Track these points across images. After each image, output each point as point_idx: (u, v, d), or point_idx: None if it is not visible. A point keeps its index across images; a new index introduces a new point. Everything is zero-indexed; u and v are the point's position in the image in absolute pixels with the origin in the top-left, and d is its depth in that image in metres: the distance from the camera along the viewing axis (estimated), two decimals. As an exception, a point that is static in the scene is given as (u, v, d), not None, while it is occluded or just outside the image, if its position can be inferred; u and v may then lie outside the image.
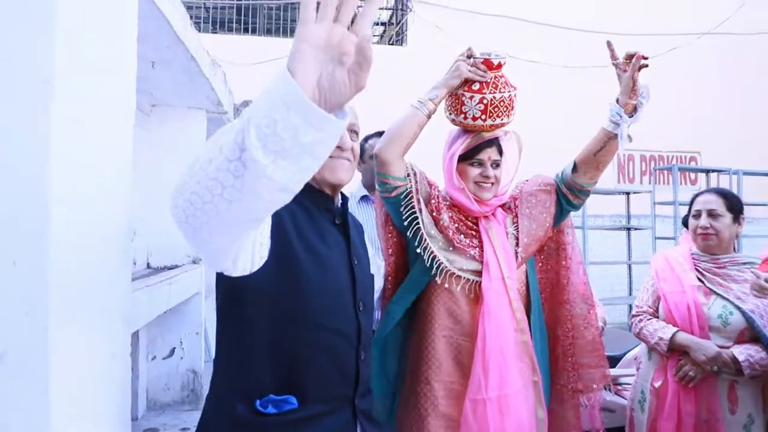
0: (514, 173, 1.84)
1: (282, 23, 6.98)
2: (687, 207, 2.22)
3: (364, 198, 2.60)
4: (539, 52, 6.44)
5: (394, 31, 6.80)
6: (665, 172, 7.19)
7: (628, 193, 6.51)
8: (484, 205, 1.77)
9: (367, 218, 2.41)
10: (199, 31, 6.31)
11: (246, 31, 6.88)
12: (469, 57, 1.74)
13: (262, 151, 0.79)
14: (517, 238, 1.79)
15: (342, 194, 1.44)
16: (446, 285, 1.71)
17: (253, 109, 0.81)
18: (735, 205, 2.09)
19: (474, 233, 1.77)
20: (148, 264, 3.41)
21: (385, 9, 7.48)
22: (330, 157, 1.25)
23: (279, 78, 0.79)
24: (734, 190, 5.29)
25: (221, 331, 1.27)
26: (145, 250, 3.39)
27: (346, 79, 0.80)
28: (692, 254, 2.16)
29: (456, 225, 1.78)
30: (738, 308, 1.98)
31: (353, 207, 1.78)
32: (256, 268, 1.13)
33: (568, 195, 1.78)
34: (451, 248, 1.74)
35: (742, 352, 1.93)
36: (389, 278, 1.82)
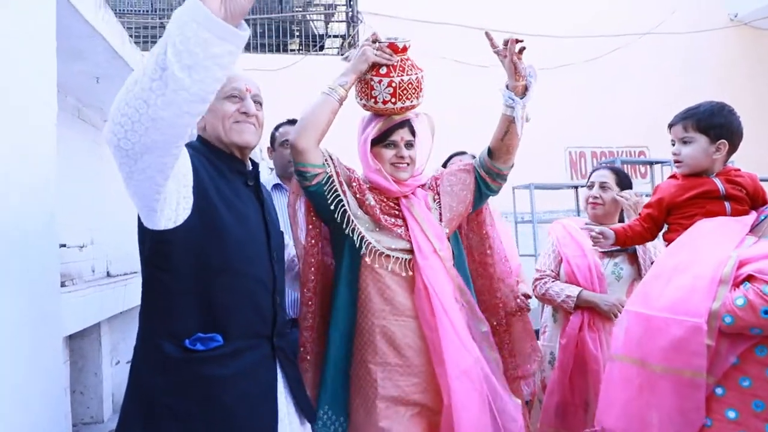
0: (428, 153, 1.90)
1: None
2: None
3: (276, 186, 2.52)
4: (486, 56, 6.68)
5: (347, 43, 7.02)
6: (613, 166, 7.49)
7: (576, 187, 6.76)
8: (402, 185, 1.82)
9: (280, 206, 2.29)
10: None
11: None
12: (374, 42, 1.77)
13: (178, 66, 0.96)
14: (440, 214, 1.84)
15: (252, 161, 1.56)
16: (376, 265, 1.72)
17: (167, 32, 0.97)
18: (623, 181, 2.36)
19: (397, 213, 1.81)
20: (108, 272, 3.54)
21: (340, 22, 7.71)
22: (237, 121, 1.44)
23: (188, 1, 0.96)
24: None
25: (148, 285, 1.37)
26: (104, 259, 3.51)
27: None
28: (586, 223, 2.41)
29: (379, 206, 1.79)
30: (627, 264, 2.26)
31: None
32: (180, 221, 1.26)
33: (486, 178, 1.85)
34: (377, 228, 1.76)
35: None
36: (312, 269, 1.80)
